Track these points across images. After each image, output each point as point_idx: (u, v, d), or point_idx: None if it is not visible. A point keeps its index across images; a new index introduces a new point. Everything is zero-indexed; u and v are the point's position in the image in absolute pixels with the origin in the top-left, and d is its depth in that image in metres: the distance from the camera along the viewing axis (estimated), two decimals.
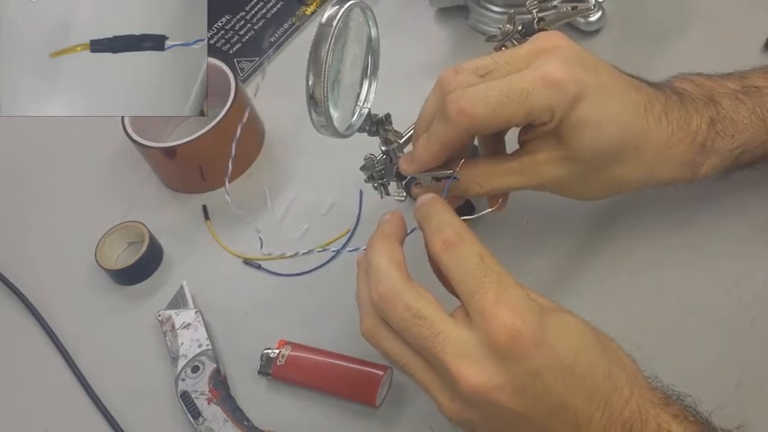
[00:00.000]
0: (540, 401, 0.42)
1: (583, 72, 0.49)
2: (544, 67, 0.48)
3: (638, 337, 0.55)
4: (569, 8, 0.64)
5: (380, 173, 0.60)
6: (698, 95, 0.53)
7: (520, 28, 0.62)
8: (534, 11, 0.62)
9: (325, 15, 0.50)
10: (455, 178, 0.58)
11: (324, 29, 0.49)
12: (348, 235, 0.66)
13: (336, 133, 0.53)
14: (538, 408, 0.42)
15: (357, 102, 0.57)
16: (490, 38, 0.63)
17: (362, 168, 0.61)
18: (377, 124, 0.58)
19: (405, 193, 0.61)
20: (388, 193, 0.62)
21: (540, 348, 0.42)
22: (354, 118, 0.56)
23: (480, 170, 0.53)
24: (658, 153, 0.51)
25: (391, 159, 0.60)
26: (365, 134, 0.58)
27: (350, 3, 0.50)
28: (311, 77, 0.50)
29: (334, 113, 0.52)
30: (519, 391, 0.42)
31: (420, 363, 0.45)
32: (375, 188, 0.62)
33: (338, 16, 0.49)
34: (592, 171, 0.52)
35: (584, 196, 0.56)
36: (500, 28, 0.62)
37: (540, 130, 0.51)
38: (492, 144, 0.56)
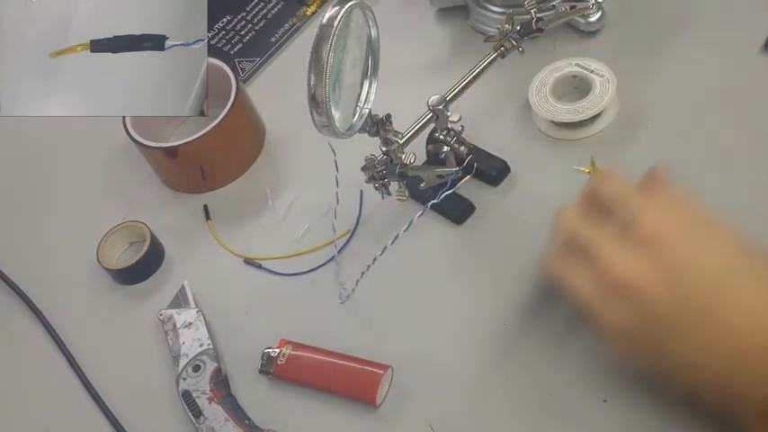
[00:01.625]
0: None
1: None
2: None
3: None
4: (568, 8, 0.64)
5: (381, 173, 0.61)
6: None
7: (518, 28, 0.63)
8: (533, 11, 0.62)
9: (326, 16, 0.50)
10: (458, 174, 0.58)
11: (325, 29, 0.49)
12: (348, 235, 0.66)
13: (338, 134, 0.53)
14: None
15: (358, 102, 0.57)
16: (489, 38, 0.64)
17: (363, 169, 0.61)
18: (377, 125, 0.58)
19: (406, 193, 0.61)
20: (389, 193, 0.62)
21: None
22: (355, 118, 0.56)
23: None
24: None
25: (392, 160, 0.60)
26: (365, 134, 0.58)
27: (350, 3, 0.50)
28: (313, 78, 0.50)
29: (336, 114, 0.52)
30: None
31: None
32: (376, 188, 0.62)
33: (339, 17, 0.49)
34: None
35: None
36: (499, 28, 0.63)
37: None
38: None
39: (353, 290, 0.62)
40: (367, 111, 0.57)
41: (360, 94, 0.57)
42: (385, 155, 0.60)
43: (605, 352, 0.51)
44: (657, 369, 0.48)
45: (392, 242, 0.57)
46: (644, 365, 0.50)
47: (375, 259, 0.58)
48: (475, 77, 0.63)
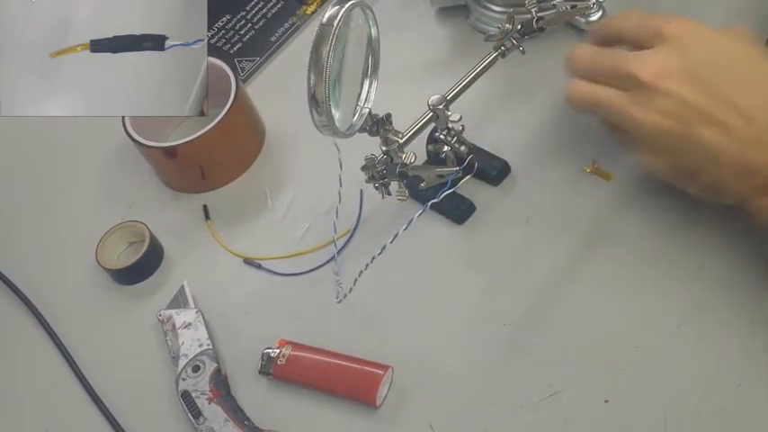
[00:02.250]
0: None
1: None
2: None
3: (638, 337, 0.55)
4: (568, 7, 0.64)
5: (381, 173, 0.60)
6: None
7: (519, 27, 0.62)
8: (533, 10, 0.62)
9: (326, 15, 0.50)
10: (458, 174, 0.58)
11: (325, 29, 0.49)
12: (349, 234, 0.66)
13: (338, 133, 0.53)
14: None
15: (358, 102, 0.57)
16: (489, 37, 0.63)
17: (363, 168, 0.61)
18: (377, 124, 0.58)
19: (407, 193, 0.61)
20: (389, 193, 0.62)
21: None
22: (355, 118, 0.56)
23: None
24: None
25: (392, 159, 0.60)
26: (365, 134, 0.58)
27: (350, 2, 0.50)
28: (312, 77, 0.50)
29: (336, 113, 0.52)
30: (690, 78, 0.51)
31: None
32: (376, 188, 0.62)
33: (339, 16, 0.49)
34: None
35: None
36: (499, 27, 0.62)
37: None
38: None
39: (351, 289, 0.62)
40: (367, 110, 0.57)
41: (360, 94, 0.57)
42: (385, 154, 0.60)
43: (636, 158, 0.55)
44: (685, 164, 0.53)
45: (391, 241, 0.57)
46: (672, 164, 0.54)
47: (374, 258, 0.58)
48: (475, 77, 0.63)
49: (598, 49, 0.56)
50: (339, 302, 0.62)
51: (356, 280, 0.61)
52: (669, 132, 0.51)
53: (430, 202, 0.59)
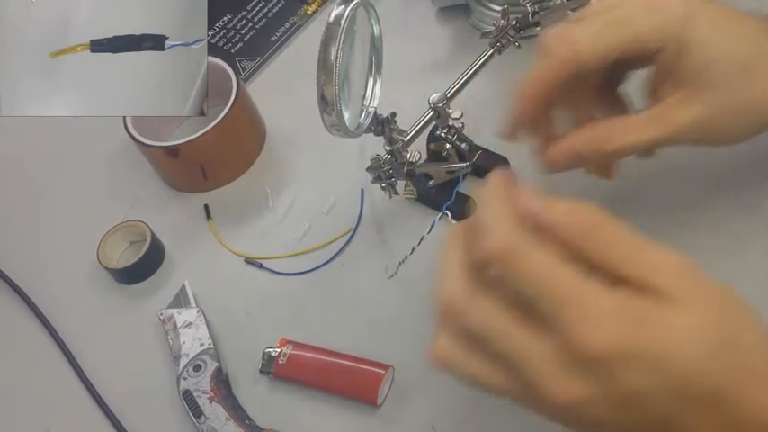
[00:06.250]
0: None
1: None
2: None
3: None
4: (564, 0, 0.64)
5: (388, 173, 0.60)
6: None
7: (514, 23, 0.62)
8: (528, 5, 0.62)
9: (333, 14, 0.49)
10: (468, 169, 0.58)
11: (332, 28, 0.49)
12: (350, 234, 0.66)
13: (347, 133, 0.52)
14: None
15: (363, 101, 0.57)
16: (485, 34, 0.63)
17: (369, 169, 0.61)
18: (382, 123, 0.57)
19: (415, 192, 0.61)
20: (396, 193, 0.62)
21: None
22: (362, 117, 0.56)
23: (603, 129, 0.49)
24: None
25: (397, 159, 0.60)
26: (367, 134, 0.58)
27: (356, 1, 0.50)
28: (322, 78, 0.49)
29: (346, 113, 0.52)
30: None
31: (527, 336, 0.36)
32: (383, 188, 0.62)
33: (346, 15, 0.49)
34: (728, 101, 0.47)
35: (728, 137, 0.50)
36: (494, 24, 0.62)
37: (661, 73, 0.48)
38: (609, 102, 0.52)
39: (401, 263, 0.61)
40: (373, 109, 0.57)
41: (365, 93, 0.57)
42: (389, 154, 0.60)
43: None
44: None
45: (419, 243, 0.59)
46: None
47: (406, 257, 0.58)
48: (472, 75, 0.63)
49: (472, 293, 0.38)
50: (390, 278, 0.62)
51: (406, 258, 0.61)
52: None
53: (446, 204, 0.60)
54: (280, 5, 0.87)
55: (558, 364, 0.35)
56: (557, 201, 0.38)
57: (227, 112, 0.69)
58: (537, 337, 0.36)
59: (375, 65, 0.57)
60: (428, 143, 0.64)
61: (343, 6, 0.49)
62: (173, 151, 0.70)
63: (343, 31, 0.48)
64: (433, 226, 0.60)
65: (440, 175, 0.60)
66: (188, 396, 0.58)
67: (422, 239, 0.60)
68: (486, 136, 0.66)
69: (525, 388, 0.37)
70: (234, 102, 0.70)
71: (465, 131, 0.63)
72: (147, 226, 0.69)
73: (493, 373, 0.38)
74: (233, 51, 0.84)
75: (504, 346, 0.37)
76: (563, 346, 0.35)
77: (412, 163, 0.59)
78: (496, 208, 0.38)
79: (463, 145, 0.62)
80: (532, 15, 0.61)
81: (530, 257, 0.36)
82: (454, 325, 0.39)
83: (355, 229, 0.66)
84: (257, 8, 0.87)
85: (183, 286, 0.66)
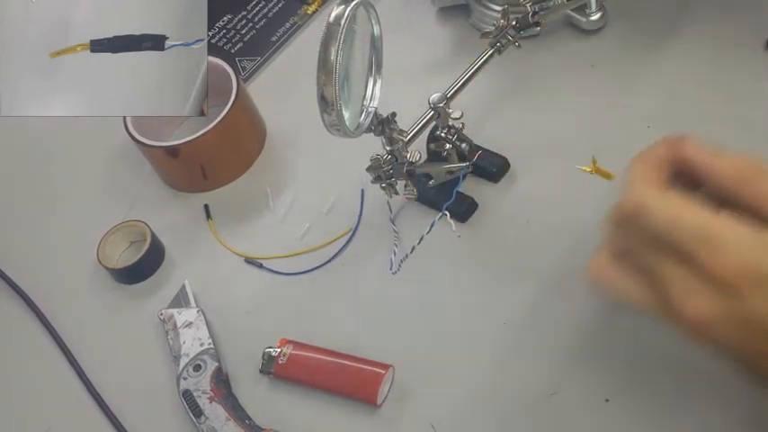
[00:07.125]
0: None
1: None
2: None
3: (639, 336, 0.55)
4: (564, 0, 0.64)
5: (388, 173, 0.60)
6: None
7: (514, 23, 0.63)
8: (528, 5, 0.62)
9: (333, 14, 0.49)
10: (469, 169, 0.58)
11: (332, 28, 0.49)
12: (350, 234, 0.66)
13: (348, 133, 0.52)
14: None
15: (363, 101, 0.57)
16: (485, 34, 0.64)
17: (369, 169, 0.61)
18: (382, 123, 0.57)
19: (415, 192, 0.61)
20: (396, 193, 0.62)
21: None
22: (362, 117, 0.56)
23: None
24: None
25: (397, 159, 0.60)
26: (367, 134, 0.58)
27: (356, 1, 0.50)
28: (322, 77, 0.49)
29: (346, 113, 0.52)
30: None
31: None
32: (383, 188, 0.62)
33: (346, 15, 0.49)
34: None
35: None
36: (494, 24, 0.62)
37: None
38: None
39: (402, 261, 0.62)
40: (373, 109, 0.57)
41: (365, 93, 0.57)
42: (389, 154, 0.60)
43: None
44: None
45: (419, 243, 0.60)
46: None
47: (406, 257, 0.57)
48: (472, 74, 0.63)
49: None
50: (394, 273, 0.62)
51: (410, 252, 0.61)
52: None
53: (446, 204, 0.60)
54: (280, 5, 0.87)
55: (693, 286, 0.40)
56: (720, 150, 0.42)
57: (227, 112, 0.69)
58: (682, 262, 0.40)
59: (375, 65, 0.57)
60: (428, 143, 0.64)
61: (343, 6, 0.49)
62: (173, 151, 0.70)
63: (344, 31, 0.48)
64: (432, 226, 0.60)
65: (440, 175, 0.60)
66: (188, 396, 0.58)
67: (421, 239, 0.61)
68: (486, 136, 0.66)
69: (666, 306, 0.41)
70: (234, 102, 0.70)
71: (465, 131, 0.63)
72: (147, 226, 0.69)
73: (641, 291, 0.43)
74: (233, 51, 0.84)
75: (659, 261, 0.41)
76: (701, 271, 0.39)
77: (412, 163, 0.59)
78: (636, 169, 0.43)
79: (463, 145, 0.62)
80: (532, 15, 0.61)
81: (671, 202, 0.41)
82: (627, 234, 0.43)
83: (355, 229, 0.66)
84: (257, 8, 0.87)
85: (183, 286, 0.66)
